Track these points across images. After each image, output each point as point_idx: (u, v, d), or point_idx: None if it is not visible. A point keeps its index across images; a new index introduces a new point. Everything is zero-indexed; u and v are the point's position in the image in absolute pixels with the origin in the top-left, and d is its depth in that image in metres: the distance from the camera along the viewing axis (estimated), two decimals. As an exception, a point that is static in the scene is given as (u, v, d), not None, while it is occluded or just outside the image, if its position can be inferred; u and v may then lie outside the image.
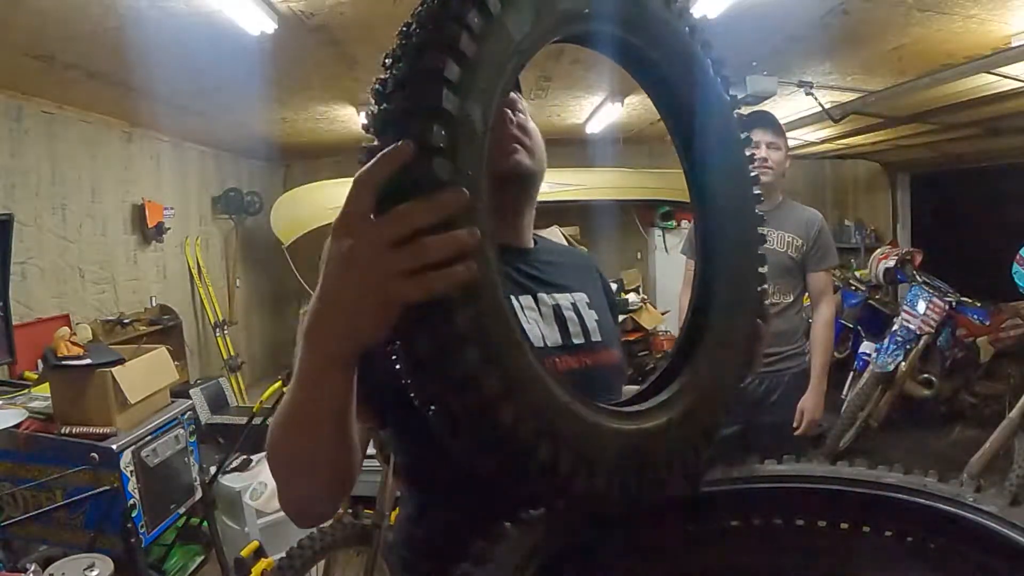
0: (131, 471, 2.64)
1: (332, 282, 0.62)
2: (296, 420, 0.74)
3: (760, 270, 0.95)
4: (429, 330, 0.58)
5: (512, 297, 1.01)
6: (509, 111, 1.02)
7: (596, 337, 1.08)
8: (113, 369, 2.74)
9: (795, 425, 2.70)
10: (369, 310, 0.60)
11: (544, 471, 0.65)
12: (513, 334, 0.65)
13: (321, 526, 2.53)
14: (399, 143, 0.57)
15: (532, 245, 1.14)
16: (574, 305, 1.10)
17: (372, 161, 0.58)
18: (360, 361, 0.70)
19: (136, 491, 2.65)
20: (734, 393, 0.95)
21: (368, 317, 0.60)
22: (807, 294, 2.87)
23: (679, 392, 0.84)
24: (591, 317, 1.10)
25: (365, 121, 0.63)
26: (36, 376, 3.45)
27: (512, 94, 1.04)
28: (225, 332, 6.26)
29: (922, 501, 0.81)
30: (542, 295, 1.07)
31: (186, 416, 3.10)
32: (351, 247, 0.59)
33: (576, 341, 1.06)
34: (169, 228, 5.64)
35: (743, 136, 0.95)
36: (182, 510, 3.00)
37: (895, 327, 4.50)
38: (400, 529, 1.15)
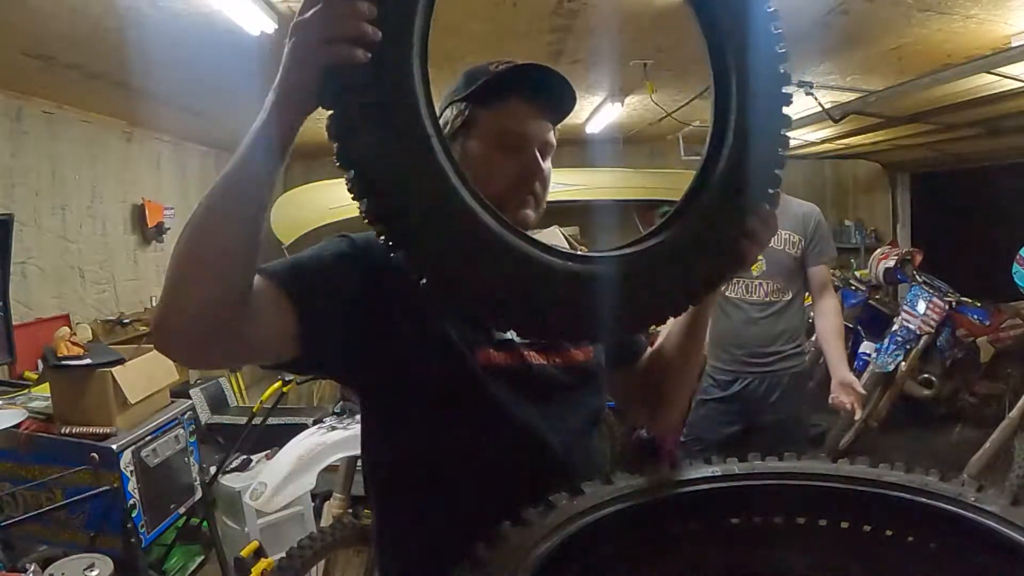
0: (131, 471, 2.64)
1: (283, 62, 0.79)
2: (223, 187, 0.83)
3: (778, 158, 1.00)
4: (337, 96, 0.75)
5: None
6: (539, 155, 1.05)
7: None
8: (113, 369, 2.74)
9: (837, 398, 2.65)
10: (300, 72, 0.77)
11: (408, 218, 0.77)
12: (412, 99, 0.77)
13: (321, 526, 2.53)
14: None
15: None
16: None
17: None
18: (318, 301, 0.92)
19: (136, 491, 2.65)
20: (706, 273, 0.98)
21: (300, 76, 0.78)
22: (807, 293, 2.87)
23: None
24: None
25: None
26: (36, 376, 3.45)
27: (550, 133, 1.06)
28: (225, 332, 6.24)
29: (924, 500, 0.81)
30: None
31: (186, 416, 3.10)
32: (294, 29, 0.78)
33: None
34: (169, 228, 5.63)
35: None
36: (182, 510, 3.00)
37: (895, 327, 4.49)
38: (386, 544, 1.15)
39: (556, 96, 1.06)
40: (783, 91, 1.01)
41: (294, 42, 0.78)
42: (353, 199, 0.78)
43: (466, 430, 1.03)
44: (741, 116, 0.97)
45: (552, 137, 1.08)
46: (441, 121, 1.06)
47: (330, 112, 0.76)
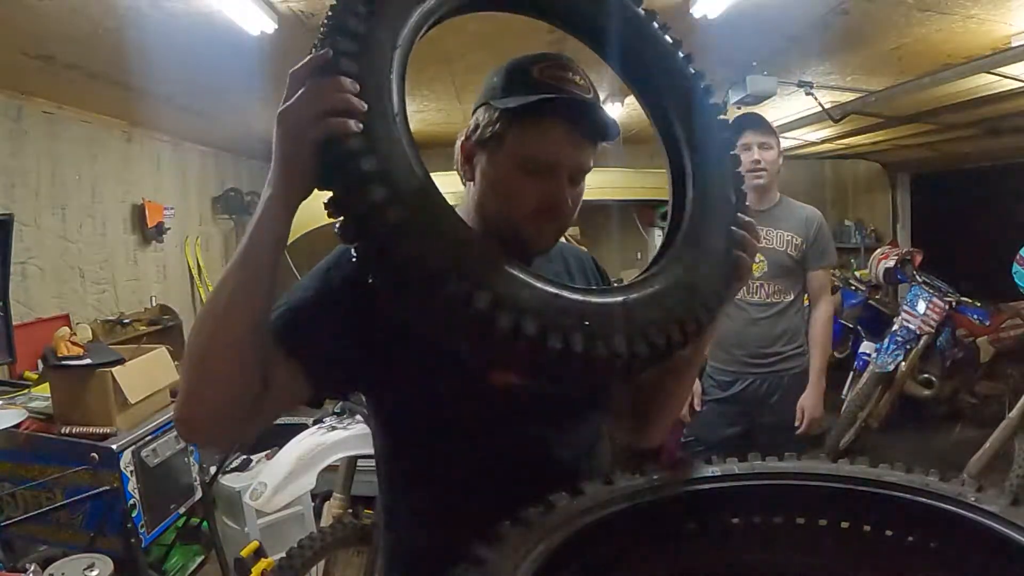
0: (131, 471, 2.64)
1: (275, 152, 0.81)
2: (232, 283, 0.86)
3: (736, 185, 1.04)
4: (337, 168, 0.76)
5: None
6: (571, 180, 0.99)
7: None
8: (113, 369, 2.74)
9: (796, 424, 2.70)
10: (295, 153, 0.79)
11: (453, 300, 0.76)
12: (414, 174, 0.79)
13: (321, 526, 2.53)
14: (323, 50, 0.79)
15: None
16: None
17: (302, 62, 0.81)
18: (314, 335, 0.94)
19: (136, 491, 2.65)
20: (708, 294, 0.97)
21: (295, 158, 0.80)
22: (807, 294, 2.86)
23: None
24: None
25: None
26: (36, 376, 3.45)
27: (587, 158, 1.00)
28: (225, 332, 6.24)
29: (924, 500, 0.81)
30: None
31: (186, 416, 3.10)
32: (282, 116, 0.80)
33: None
34: (169, 228, 5.63)
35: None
36: (182, 510, 2.99)
37: (895, 327, 4.49)
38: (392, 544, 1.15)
39: (594, 125, 0.99)
40: (720, 119, 1.07)
41: (284, 127, 0.80)
42: (362, 269, 0.80)
43: (477, 446, 1.02)
44: (693, 152, 1.02)
45: (589, 161, 1.00)
46: (472, 121, 1.02)
47: (328, 190, 0.78)
